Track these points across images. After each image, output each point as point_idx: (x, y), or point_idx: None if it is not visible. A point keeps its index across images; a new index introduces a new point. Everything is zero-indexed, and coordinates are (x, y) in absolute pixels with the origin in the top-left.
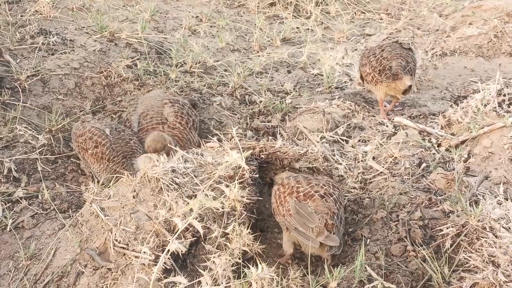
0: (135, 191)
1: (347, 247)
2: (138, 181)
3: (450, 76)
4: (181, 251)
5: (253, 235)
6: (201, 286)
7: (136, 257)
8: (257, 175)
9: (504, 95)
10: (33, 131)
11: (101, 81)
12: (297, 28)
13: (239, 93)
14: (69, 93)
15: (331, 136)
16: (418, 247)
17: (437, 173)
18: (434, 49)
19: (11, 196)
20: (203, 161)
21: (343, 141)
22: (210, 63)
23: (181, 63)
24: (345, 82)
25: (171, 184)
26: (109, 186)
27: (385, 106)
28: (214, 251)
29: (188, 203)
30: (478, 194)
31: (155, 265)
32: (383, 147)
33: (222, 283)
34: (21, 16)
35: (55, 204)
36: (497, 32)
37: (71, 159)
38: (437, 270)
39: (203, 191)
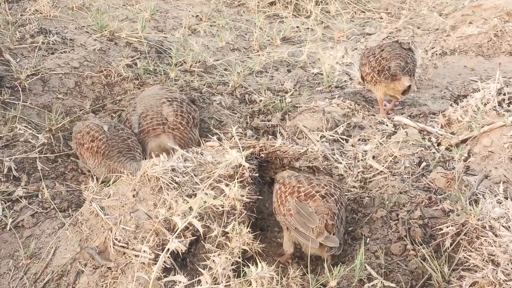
0: (135, 190)
1: (347, 246)
2: (138, 180)
3: (450, 75)
4: (181, 250)
5: (253, 234)
6: (201, 285)
7: (136, 256)
8: (257, 174)
9: (504, 94)
10: (33, 130)
11: (101, 80)
12: (297, 27)
13: (239, 92)
14: (69, 92)
15: (331, 135)
16: (418, 246)
17: (437, 172)
18: (434, 48)
19: (11, 195)
20: (203, 160)
21: (343, 140)
22: (210, 62)
23: (181, 62)
24: (345, 81)
25: (171, 183)
26: (109, 185)
27: (385, 105)
28: (214, 250)
29: (188, 202)
30: (478, 193)
31: (155, 264)
32: (383, 146)
33: (222, 282)
34: (21, 15)
35: (55, 203)
36: (497, 31)
37: (71, 158)
38: (437, 269)
39: (203, 190)
